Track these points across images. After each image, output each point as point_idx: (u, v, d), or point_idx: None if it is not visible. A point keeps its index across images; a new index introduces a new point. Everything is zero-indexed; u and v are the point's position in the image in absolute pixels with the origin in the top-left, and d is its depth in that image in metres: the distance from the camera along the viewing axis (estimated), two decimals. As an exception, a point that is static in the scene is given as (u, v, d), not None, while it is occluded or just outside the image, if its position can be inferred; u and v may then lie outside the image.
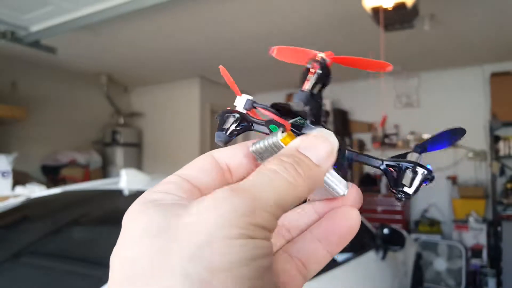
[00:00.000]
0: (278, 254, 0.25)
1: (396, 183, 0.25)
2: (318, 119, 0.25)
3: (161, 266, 0.16)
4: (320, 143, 0.22)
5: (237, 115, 0.27)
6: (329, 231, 0.25)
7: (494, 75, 3.93)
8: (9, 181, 2.53)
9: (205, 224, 0.17)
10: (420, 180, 0.25)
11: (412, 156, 0.26)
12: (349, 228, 0.24)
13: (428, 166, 0.25)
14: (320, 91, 0.25)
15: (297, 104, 0.24)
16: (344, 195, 0.24)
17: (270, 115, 0.26)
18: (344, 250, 1.76)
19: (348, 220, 0.24)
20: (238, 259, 0.16)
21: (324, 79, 0.24)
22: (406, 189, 0.25)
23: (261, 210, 0.18)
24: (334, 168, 0.24)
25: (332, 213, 0.25)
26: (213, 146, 0.26)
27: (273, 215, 0.18)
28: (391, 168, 0.26)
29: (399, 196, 0.25)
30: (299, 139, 0.22)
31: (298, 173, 0.20)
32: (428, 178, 0.25)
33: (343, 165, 0.25)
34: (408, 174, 0.25)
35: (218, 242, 0.16)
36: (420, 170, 0.25)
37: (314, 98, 0.24)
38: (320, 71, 0.24)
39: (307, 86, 0.24)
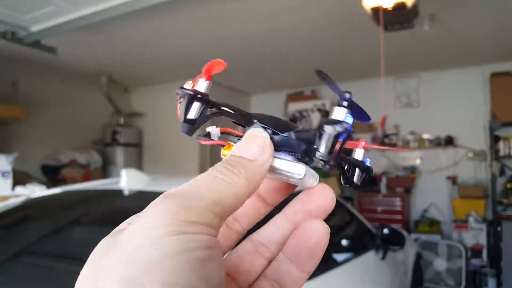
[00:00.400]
0: (257, 279, 0.25)
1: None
2: (246, 122, 0.25)
3: (99, 279, 0.17)
4: (251, 141, 0.23)
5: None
6: (296, 248, 0.24)
7: (494, 75, 3.93)
8: (9, 181, 2.53)
9: (139, 231, 0.18)
10: (329, 137, 0.23)
11: (338, 113, 0.24)
12: (314, 243, 0.24)
13: (347, 118, 0.24)
14: (208, 106, 0.24)
15: (183, 133, 0.24)
16: (300, 177, 0.24)
17: (214, 143, 0.26)
18: (344, 251, 1.76)
19: (314, 234, 0.24)
20: (166, 253, 0.17)
21: (193, 104, 0.24)
22: (318, 153, 0.23)
23: (194, 207, 0.19)
24: (292, 154, 0.24)
25: (298, 229, 0.25)
26: (213, 147, 0.26)
27: (209, 211, 0.19)
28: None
29: (319, 164, 0.24)
30: (234, 146, 0.24)
31: (232, 171, 0.21)
32: (341, 131, 0.23)
33: (297, 148, 0.24)
34: (318, 136, 0.24)
35: (150, 243, 0.17)
36: (327, 128, 0.23)
37: (202, 118, 0.24)
38: (185, 102, 0.24)
39: (180, 117, 0.24)
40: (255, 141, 0.23)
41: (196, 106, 0.24)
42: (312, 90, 5.11)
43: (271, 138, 0.24)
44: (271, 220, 0.27)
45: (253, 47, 3.56)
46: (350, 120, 0.24)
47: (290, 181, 0.25)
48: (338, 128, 0.23)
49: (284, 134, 0.24)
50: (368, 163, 0.26)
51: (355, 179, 0.26)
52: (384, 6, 2.38)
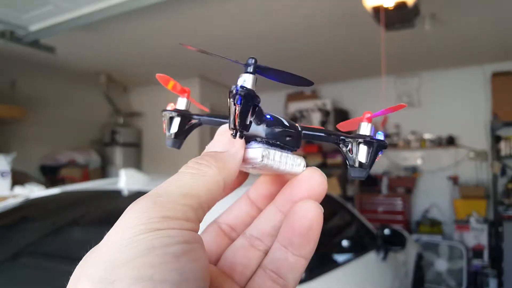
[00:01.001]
0: (255, 272, 0.25)
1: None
2: (221, 123, 0.26)
3: (77, 283, 0.18)
4: (220, 135, 0.24)
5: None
6: (289, 233, 0.23)
7: (495, 74, 3.92)
8: (8, 181, 2.52)
9: (113, 233, 0.18)
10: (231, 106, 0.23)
11: (240, 79, 0.23)
12: (308, 224, 0.23)
13: (240, 81, 0.23)
14: (187, 119, 0.27)
15: (170, 147, 0.27)
16: (259, 160, 0.23)
17: None
18: (345, 251, 1.75)
19: (306, 215, 0.23)
20: (139, 251, 0.17)
21: (173, 120, 0.27)
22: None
23: (165, 202, 0.19)
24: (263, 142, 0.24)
25: (289, 213, 0.24)
26: None
27: (181, 204, 0.19)
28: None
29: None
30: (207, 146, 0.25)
31: (201, 164, 0.22)
32: (234, 94, 0.22)
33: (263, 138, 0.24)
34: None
35: (122, 243, 0.18)
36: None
37: (184, 131, 0.27)
38: (167, 120, 0.27)
39: (166, 133, 0.27)
40: (225, 135, 0.24)
41: (176, 122, 0.27)
42: (313, 89, 5.10)
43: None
44: (262, 213, 0.27)
45: (252, 46, 3.55)
46: (247, 83, 0.23)
47: (269, 170, 0.25)
48: (233, 92, 0.22)
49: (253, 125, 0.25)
50: (379, 136, 0.25)
51: (361, 158, 0.24)
52: (385, 6, 2.37)
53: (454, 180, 4.19)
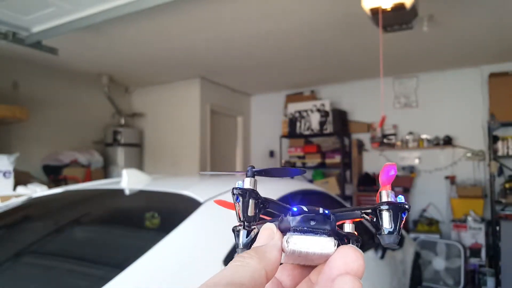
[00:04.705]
0: None
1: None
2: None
3: None
4: (260, 233, 0.28)
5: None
6: None
7: (493, 75, 3.95)
8: (10, 181, 2.54)
9: None
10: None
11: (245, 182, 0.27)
12: None
13: (399, 199, 0.26)
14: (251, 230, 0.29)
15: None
16: (286, 246, 0.26)
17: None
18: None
19: None
20: None
21: (241, 234, 0.29)
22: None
23: None
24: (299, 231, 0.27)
25: None
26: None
27: None
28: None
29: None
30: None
31: (244, 256, 0.25)
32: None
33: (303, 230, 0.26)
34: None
35: None
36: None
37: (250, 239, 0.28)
38: (237, 235, 0.29)
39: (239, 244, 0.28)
40: (264, 232, 0.28)
41: (244, 234, 0.28)
42: (312, 90, 5.13)
43: (280, 225, 0.28)
44: None
45: (253, 47, 3.58)
46: (244, 184, 0.27)
47: (304, 257, 0.26)
48: (232, 192, 0.27)
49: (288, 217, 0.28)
50: (400, 199, 0.26)
51: (385, 225, 0.25)
52: (383, 7, 2.39)
53: (452, 179, 4.22)
